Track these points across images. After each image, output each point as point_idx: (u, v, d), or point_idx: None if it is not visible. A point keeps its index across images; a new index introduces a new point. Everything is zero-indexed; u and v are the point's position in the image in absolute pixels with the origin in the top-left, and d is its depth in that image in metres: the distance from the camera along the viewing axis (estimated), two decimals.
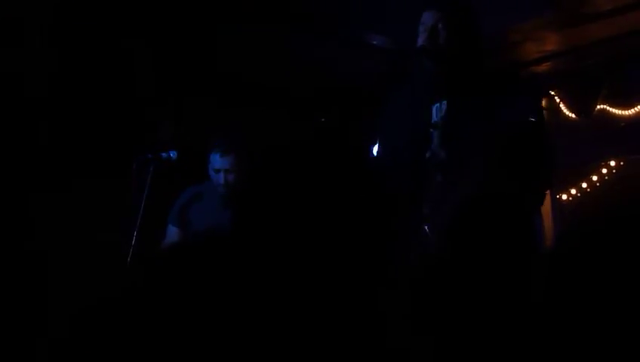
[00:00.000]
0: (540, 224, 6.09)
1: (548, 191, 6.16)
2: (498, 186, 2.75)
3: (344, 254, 1.46)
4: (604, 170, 7.81)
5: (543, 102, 6.19)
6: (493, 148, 2.79)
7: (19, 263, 4.22)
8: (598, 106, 6.07)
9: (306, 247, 1.43)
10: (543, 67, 6.01)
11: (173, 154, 4.02)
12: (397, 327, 1.33)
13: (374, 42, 5.25)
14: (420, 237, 2.79)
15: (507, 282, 2.68)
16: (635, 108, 5.99)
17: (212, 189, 4.12)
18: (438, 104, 3.02)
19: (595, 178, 7.89)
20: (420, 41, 3.00)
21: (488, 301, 2.63)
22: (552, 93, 6.25)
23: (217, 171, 4.06)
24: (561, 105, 6.20)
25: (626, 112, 6.02)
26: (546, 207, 6.49)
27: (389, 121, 3.24)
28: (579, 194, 7.88)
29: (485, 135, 2.80)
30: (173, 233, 4.17)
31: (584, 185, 7.92)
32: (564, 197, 7.76)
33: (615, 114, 6.07)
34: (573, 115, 6.18)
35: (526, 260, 2.76)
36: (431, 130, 2.99)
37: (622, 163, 7.64)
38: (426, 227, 2.82)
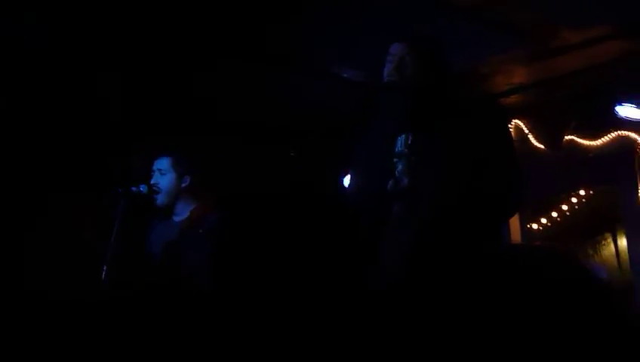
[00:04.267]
0: None
1: (517, 222, 6.22)
2: (457, 211, 2.78)
3: (311, 280, 1.47)
4: (574, 200, 7.89)
5: (512, 128, 6.25)
6: (454, 175, 2.82)
7: None
8: (566, 137, 6.14)
9: (277, 274, 1.44)
10: (512, 99, 6.07)
11: (143, 188, 4.02)
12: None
13: (345, 75, 5.30)
14: (379, 264, 2.80)
15: (468, 306, 2.69)
16: (603, 139, 6.06)
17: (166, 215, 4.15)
18: (402, 135, 3.04)
19: (565, 207, 7.96)
20: (387, 71, 3.04)
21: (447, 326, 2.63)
22: (521, 124, 6.31)
23: (153, 172, 4.11)
24: (530, 136, 6.26)
25: (594, 143, 6.10)
26: (516, 236, 6.54)
27: (358, 152, 3.27)
28: (549, 224, 7.94)
29: (448, 165, 2.83)
30: None
31: (554, 214, 7.99)
32: (535, 226, 7.82)
33: (583, 145, 6.14)
34: (542, 146, 6.24)
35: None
36: (395, 160, 3.01)
37: (591, 192, 7.72)
38: (385, 253, 2.83)
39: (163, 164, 4.09)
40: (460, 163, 2.82)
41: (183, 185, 4.08)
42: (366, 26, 4.57)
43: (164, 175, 4.07)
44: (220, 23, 4.62)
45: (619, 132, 6.00)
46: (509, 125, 6.18)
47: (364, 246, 2.89)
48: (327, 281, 1.53)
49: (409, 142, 3.01)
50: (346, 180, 4.41)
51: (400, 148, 3.02)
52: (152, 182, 4.05)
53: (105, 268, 3.77)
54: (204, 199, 4.09)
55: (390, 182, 2.96)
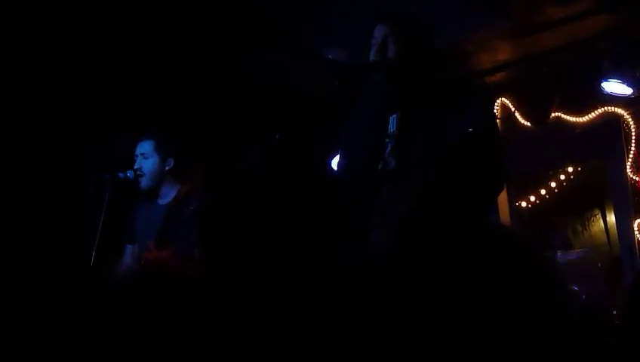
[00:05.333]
0: None
1: (506, 200, 6.21)
2: (444, 194, 2.78)
3: (297, 262, 1.47)
4: (562, 177, 7.91)
5: (497, 110, 6.26)
6: (440, 157, 2.82)
7: None
8: (553, 114, 6.14)
9: (262, 258, 1.44)
10: (497, 77, 6.07)
11: (130, 174, 4.02)
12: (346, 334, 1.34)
13: (330, 55, 5.28)
14: (368, 246, 2.80)
15: (456, 288, 2.70)
16: (589, 115, 6.07)
17: (151, 198, 4.13)
18: (394, 115, 3.05)
19: (553, 184, 7.97)
20: (372, 54, 3.05)
21: (438, 308, 2.65)
22: (507, 101, 6.32)
23: (136, 157, 4.08)
24: (516, 114, 6.27)
25: (580, 119, 6.10)
26: (505, 214, 6.55)
27: (346, 133, 3.28)
28: (537, 201, 7.96)
29: (433, 145, 2.83)
30: (127, 251, 4.15)
31: (543, 191, 8.00)
32: (524, 204, 7.83)
33: (569, 121, 6.15)
34: (529, 123, 6.24)
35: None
36: (386, 140, 3.02)
37: (579, 169, 7.74)
38: (374, 235, 2.84)
39: (146, 147, 4.07)
40: (444, 143, 2.82)
41: (167, 167, 4.07)
42: (348, 3, 4.57)
43: (147, 159, 4.05)
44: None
45: (605, 108, 6.01)
46: (494, 104, 6.21)
47: (351, 226, 2.89)
48: (315, 260, 1.52)
49: (398, 122, 3.02)
50: (334, 161, 4.41)
51: (392, 129, 3.03)
52: (135, 166, 4.04)
53: (93, 254, 3.76)
54: (190, 180, 4.08)
55: (381, 163, 2.98)
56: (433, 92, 3.00)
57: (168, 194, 4.07)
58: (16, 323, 1.18)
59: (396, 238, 2.78)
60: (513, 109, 6.28)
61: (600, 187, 7.29)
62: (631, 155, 5.92)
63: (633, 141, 5.90)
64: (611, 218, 7.17)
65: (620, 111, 5.95)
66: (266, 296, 1.44)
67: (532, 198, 7.97)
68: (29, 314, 1.20)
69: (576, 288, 4.94)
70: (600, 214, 7.96)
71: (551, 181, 7.97)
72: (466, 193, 2.83)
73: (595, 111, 6.04)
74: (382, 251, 2.82)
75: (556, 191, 8.01)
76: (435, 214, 2.77)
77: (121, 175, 4.00)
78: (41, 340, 1.16)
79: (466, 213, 2.84)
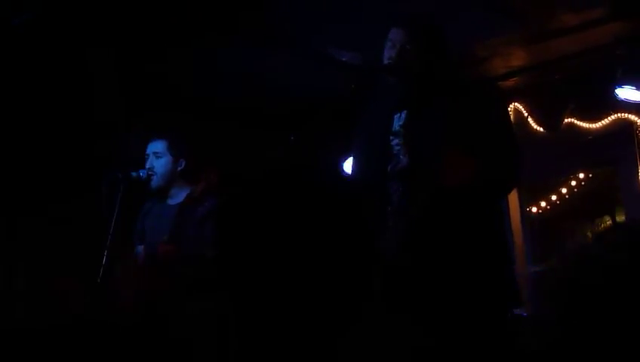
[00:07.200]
0: (509, 238, 6.12)
1: (517, 206, 6.20)
2: (456, 194, 2.77)
3: (313, 265, 1.48)
4: (573, 183, 7.89)
5: (511, 111, 6.26)
6: (452, 153, 2.81)
7: None
8: (566, 120, 6.14)
9: (277, 261, 1.45)
10: (511, 82, 6.07)
11: (143, 173, 4.02)
12: (361, 333, 1.35)
13: (344, 58, 5.27)
14: (382, 247, 2.80)
15: (471, 290, 2.71)
16: (602, 122, 6.06)
17: (161, 199, 4.14)
18: (398, 113, 3.04)
19: (564, 191, 7.96)
20: (387, 56, 3.03)
21: (449, 311, 2.66)
22: (520, 107, 6.31)
23: (147, 156, 4.09)
24: (529, 119, 6.26)
25: (593, 126, 6.10)
26: (516, 220, 6.54)
27: (359, 136, 3.27)
28: (548, 207, 7.94)
29: (445, 141, 2.82)
30: (139, 251, 4.15)
31: (554, 197, 7.99)
32: (534, 210, 7.82)
33: (582, 127, 6.14)
34: (541, 129, 6.24)
35: (492, 267, 2.79)
36: (391, 137, 3.00)
37: (590, 175, 7.72)
38: (388, 236, 2.83)
39: (158, 146, 4.08)
40: (457, 141, 2.81)
41: (179, 168, 4.08)
42: (363, 5, 4.57)
43: (159, 158, 4.06)
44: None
45: (618, 114, 6.00)
46: (508, 107, 6.20)
47: (365, 228, 2.89)
48: (330, 265, 1.53)
49: (404, 120, 3.01)
50: (347, 164, 4.41)
51: (396, 127, 3.02)
52: (147, 165, 4.05)
53: (105, 253, 3.76)
54: (205, 180, 4.08)
55: (391, 163, 2.97)
56: (447, 91, 2.99)
57: (178, 195, 4.07)
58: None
59: (408, 246, 2.79)
60: (526, 115, 6.27)
61: (611, 194, 7.26)
62: None
63: None
64: None
65: (633, 117, 5.95)
66: (279, 295, 1.45)
67: (543, 204, 7.95)
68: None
69: None
70: (611, 221, 7.94)
71: (562, 187, 7.95)
72: (476, 192, 2.82)
73: (608, 118, 6.04)
74: (393, 253, 2.83)
75: (567, 197, 7.99)
76: (444, 217, 2.78)
77: (133, 174, 4.00)
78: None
79: (477, 213, 2.84)
